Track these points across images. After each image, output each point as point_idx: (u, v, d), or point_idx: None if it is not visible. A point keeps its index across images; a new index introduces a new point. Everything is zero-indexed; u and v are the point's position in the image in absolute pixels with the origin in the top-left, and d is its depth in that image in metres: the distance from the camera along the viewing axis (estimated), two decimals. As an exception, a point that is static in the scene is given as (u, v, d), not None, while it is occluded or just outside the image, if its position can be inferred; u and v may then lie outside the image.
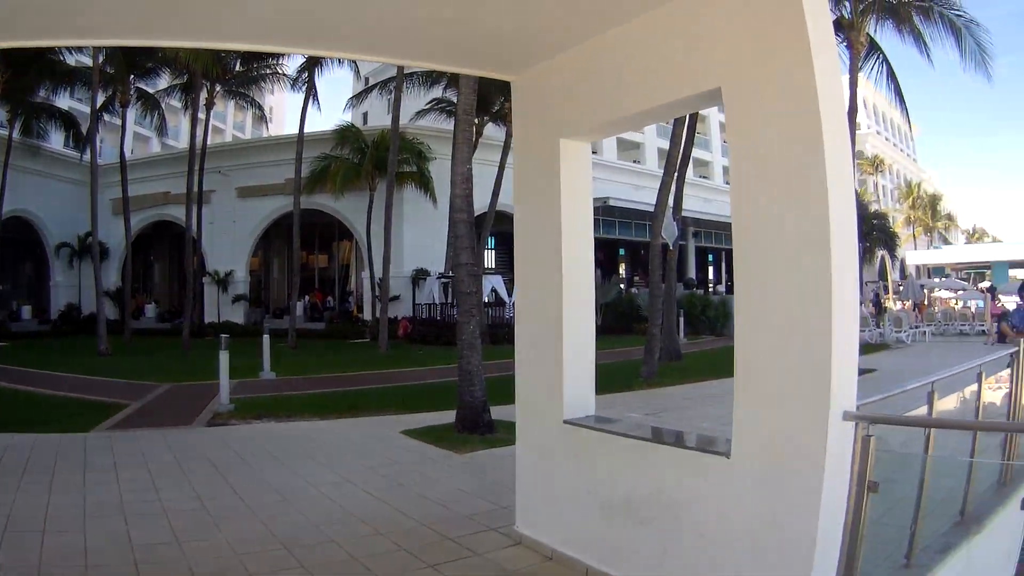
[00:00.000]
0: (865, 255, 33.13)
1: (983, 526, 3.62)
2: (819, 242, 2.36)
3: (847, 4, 13.41)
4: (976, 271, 36.78)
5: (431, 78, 19.92)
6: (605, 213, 25.08)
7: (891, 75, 15.07)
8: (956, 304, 24.13)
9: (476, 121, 17.01)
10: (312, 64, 19.89)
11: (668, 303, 13.56)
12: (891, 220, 43.16)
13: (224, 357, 8.53)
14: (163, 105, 23.05)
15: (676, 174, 13.48)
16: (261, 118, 29.59)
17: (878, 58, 14.87)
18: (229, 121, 39.45)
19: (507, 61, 3.82)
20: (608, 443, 3.34)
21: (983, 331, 17.74)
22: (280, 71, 21.91)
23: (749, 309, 2.69)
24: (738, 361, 2.70)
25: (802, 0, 2.36)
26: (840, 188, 2.38)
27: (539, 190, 3.79)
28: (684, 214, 17.99)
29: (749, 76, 2.62)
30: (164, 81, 22.85)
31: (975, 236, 66.19)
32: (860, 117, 45.99)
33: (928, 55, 14.07)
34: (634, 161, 32.60)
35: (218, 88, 21.86)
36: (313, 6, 3.03)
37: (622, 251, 30.72)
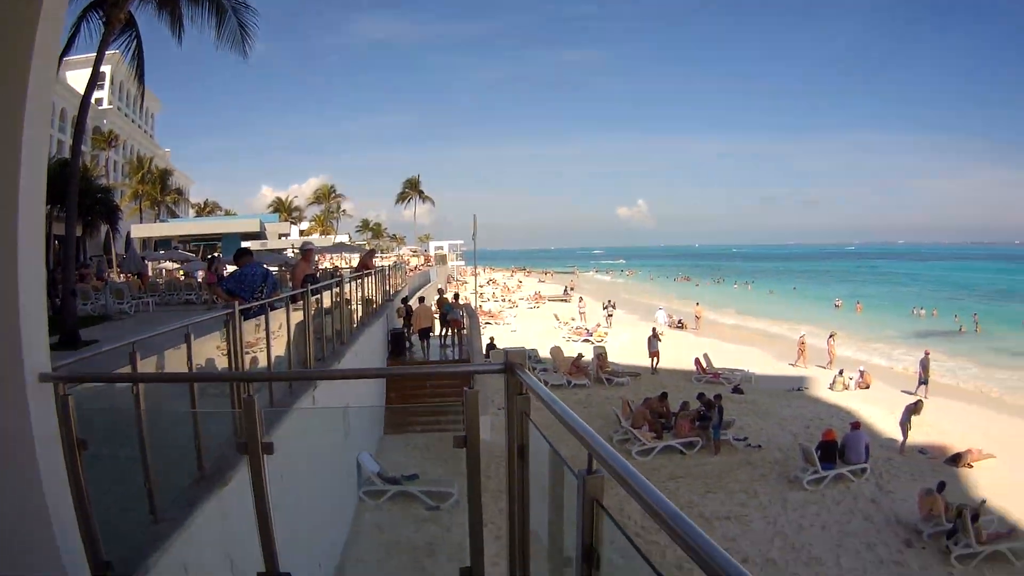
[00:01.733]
0: (87, 230, 31.20)
1: (230, 478, 3.72)
2: (6, 214, 2.38)
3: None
4: (207, 243, 36.42)
5: None
6: None
7: (137, 54, 14.71)
8: (182, 275, 24.31)
9: None
10: None
11: None
12: (120, 194, 41.57)
13: None
14: None
15: None
16: None
17: (131, 35, 14.43)
18: None
19: None
20: None
21: (206, 300, 18.28)
22: None
23: None
24: None
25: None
26: (31, 163, 2.42)
27: None
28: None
29: None
30: None
31: (207, 210, 65.47)
32: (105, 93, 44.45)
33: (180, 36, 14.46)
34: None
35: None
36: None
37: None
